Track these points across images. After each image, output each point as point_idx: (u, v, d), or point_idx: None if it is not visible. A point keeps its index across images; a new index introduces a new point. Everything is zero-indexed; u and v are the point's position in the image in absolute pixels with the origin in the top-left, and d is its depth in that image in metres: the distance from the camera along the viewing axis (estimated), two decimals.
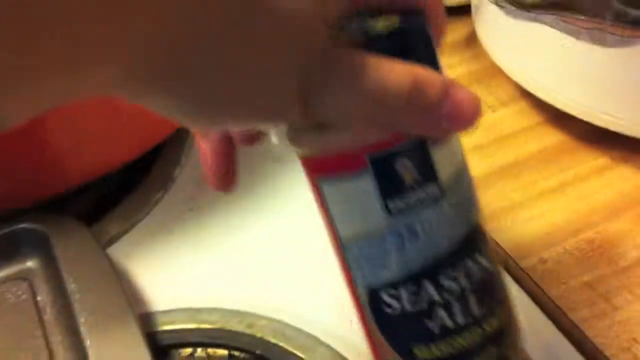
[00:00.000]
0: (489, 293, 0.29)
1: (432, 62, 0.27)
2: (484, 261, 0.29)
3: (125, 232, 0.47)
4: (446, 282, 0.28)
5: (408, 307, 0.28)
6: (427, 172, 0.27)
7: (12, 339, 0.40)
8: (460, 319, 0.28)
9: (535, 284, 0.42)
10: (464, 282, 0.28)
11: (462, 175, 0.29)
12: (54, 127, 0.44)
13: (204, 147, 0.32)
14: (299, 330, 0.40)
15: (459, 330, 0.28)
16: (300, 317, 0.41)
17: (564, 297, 0.42)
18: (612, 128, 0.49)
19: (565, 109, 0.51)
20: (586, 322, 0.40)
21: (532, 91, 0.54)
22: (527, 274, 0.43)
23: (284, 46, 0.22)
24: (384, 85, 0.24)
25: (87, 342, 0.37)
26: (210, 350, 0.40)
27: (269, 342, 0.39)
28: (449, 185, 0.27)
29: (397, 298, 0.28)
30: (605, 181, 0.50)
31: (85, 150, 0.45)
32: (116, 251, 0.45)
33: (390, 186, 0.27)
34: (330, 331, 0.40)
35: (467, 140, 0.51)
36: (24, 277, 0.43)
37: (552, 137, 0.54)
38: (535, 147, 0.53)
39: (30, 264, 0.44)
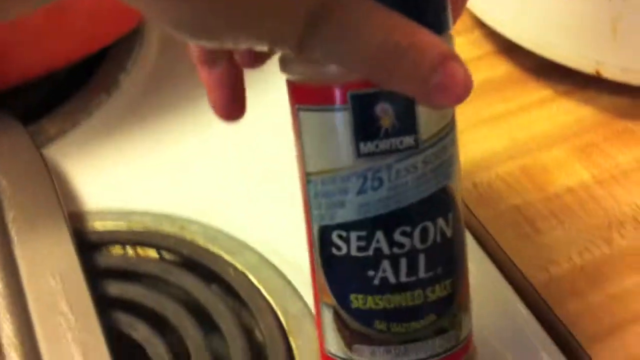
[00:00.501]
0: (442, 259, 0.29)
1: (438, 21, 0.27)
2: (445, 228, 0.29)
3: (64, 133, 0.47)
4: (398, 237, 0.28)
5: (354, 252, 0.28)
6: (407, 123, 0.27)
7: None
8: (403, 278, 0.28)
9: (467, 206, 0.44)
10: (417, 241, 0.28)
11: (445, 139, 0.28)
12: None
13: (206, 77, 0.31)
14: (228, 235, 0.41)
15: (400, 288, 0.29)
16: (229, 223, 0.42)
17: (491, 219, 0.43)
18: (558, 61, 0.50)
19: (515, 40, 0.52)
20: (509, 243, 0.42)
21: (485, 21, 0.55)
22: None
23: None
24: (383, 42, 0.23)
25: (14, 238, 0.38)
26: (140, 250, 0.41)
27: (197, 245, 0.41)
28: (427, 144, 0.27)
29: (346, 241, 0.28)
30: (546, 113, 0.51)
31: (27, 46, 0.45)
32: (53, 151, 0.46)
33: (365, 127, 0.27)
34: (256, 237, 0.41)
35: None
36: None
37: (501, 67, 0.55)
38: (484, 76, 0.54)
39: None
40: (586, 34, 0.49)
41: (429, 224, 0.28)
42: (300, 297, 0.38)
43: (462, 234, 0.30)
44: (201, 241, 0.41)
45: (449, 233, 0.29)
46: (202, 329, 0.37)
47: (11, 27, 0.44)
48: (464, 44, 0.57)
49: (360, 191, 0.27)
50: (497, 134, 0.49)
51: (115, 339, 0.34)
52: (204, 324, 0.37)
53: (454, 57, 0.24)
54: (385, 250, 0.28)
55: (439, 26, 0.26)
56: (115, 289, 0.38)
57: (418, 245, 0.28)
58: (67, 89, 0.50)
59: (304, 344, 0.36)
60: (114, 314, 0.37)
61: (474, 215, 0.43)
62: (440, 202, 0.29)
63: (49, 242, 0.38)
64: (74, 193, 0.44)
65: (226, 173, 0.46)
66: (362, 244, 0.28)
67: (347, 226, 0.28)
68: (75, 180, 0.44)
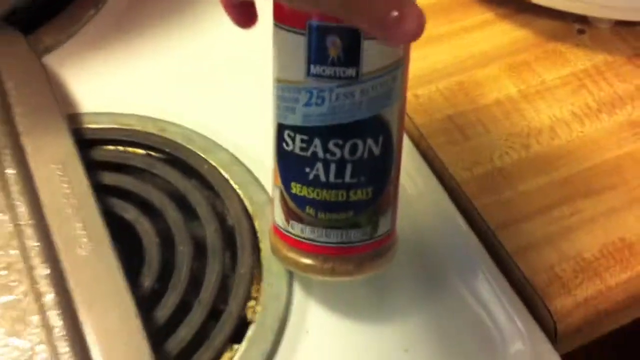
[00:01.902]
0: (366, 171, 0.34)
1: None
2: (374, 147, 0.34)
3: (60, 43, 0.52)
4: (331, 146, 0.34)
5: (297, 150, 0.34)
6: (351, 57, 0.31)
7: None
8: (331, 178, 0.34)
9: (407, 114, 0.49)
10: (347, 153, 0.34)
11: (385, 76, 0.32)
12: None
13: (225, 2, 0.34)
14: (203, 136, 0.47)
15: (327, 185, 0.34)
16: (206, 126, 0.47)
17: (427, 125, 0.49)
18: None
19: None
20: (440, 146, 0.48)
21: None
22: None
23: None
24: None
25: (20, 129, 0.43)
26: (128, 148, 0.47)
27: (177, 144, 0.46)
28: (367, 77, 0.32)
29: (293, 140, 0.34)
30: (486, 34, 0.56)
31: None
32: (51, 60, 0.51)
33: (316, 53, 0.32)
34: (228, 139, 0.47)
35: None
36: None
37: None
38: (432, 0, 0.59)
39: None
40: None
41: (358, 141, 0.34)
42: (263, 188, 0.44)
43: (392, 155, 0.35)
44: (180, 140, 0.46)
45: (376, 152, 0.34)
46: (182, 214, 0.42)
47: None
48: None
49: (307, 104, 0.33)
50: (440, 52, 0.54)
51: (110, 219, 0.40)
52: (184, 209, 0.43)
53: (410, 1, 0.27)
54: (320, 154, 0.34)
55: None
56: (108, 178, 0.44)
57: (347, 156, 0.34)
58: (61, 3, 0.54)
59: (265, 227, 0.42)
60: (108, 198, 0.42)
61: (412, 122, 0.49)
62: (372, 126, 0.34)
63: (51, 136, 0.43)
64: (70, 97, 0.49)
65: (203, 82, 0.51)
66: (304, 145, 0.34)
67: (294, 129, 0.34)
68: (70, 86, 0.49)
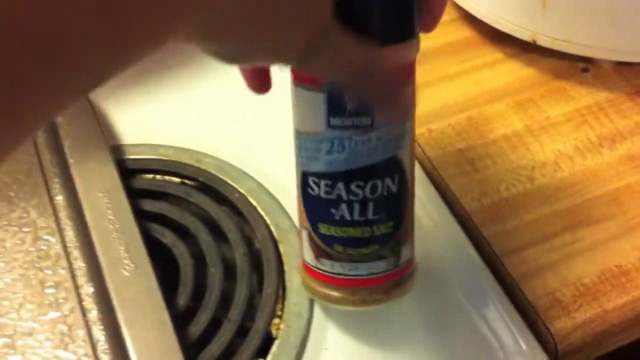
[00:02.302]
0: (387, 207, 0.37)
1: (405, 32, 0.33)
2: (392, 185, 0.36)
3: None
4: (354, 188, 0.36)
5: (322, 194, 0.37)
6: (366, 108, 0.34)
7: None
8: (356, 217, 0.37)
9: (421, 147, 0.52)
10: (368, 193, 0.36)
11: (398, 121, 0.35)
12: None
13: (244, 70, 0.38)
14: (234, 167, 0.50)
15: (353, 223, 0.37)
16: (237, 157, 0.50)
17: (439, 158, 0.52)
18: (503, 30, 0.58)
19: (469, 10, 0.59)
20: (452, 177, 0.50)
21: None
22: (416, 140, 0.53)
23: (298, 29, 0.28)
24: (353, 72, 0.31)
25: (70, 160, 0.46)
26: (166, 177, 0.50)
27: (211, 173, 0.49)
28: (382, 125, 0.34)
29: (318, 185, 0.36)
30: (495, 72, 0.59)
31: None
32: (96, 94, 0.54)
33: (335, 107, 0.34)
34: (257, 169, 0.50)
35: None
36: None
37: (461, 32, 0.62)
38: (447, 40, 0.61)
39: None
40: (522, 9, 0.56)
41: (378, 181, 0.36)
42: (288, 215, 0.47)
43: (408, 190, 0.38)
44: (213, 171, 0.49)
45: (394, 189, 0.37)
46: (214, 238, 0.45)
47: None
48: None
49: (329, 152, 0.35)
50: (452, 89, 0.57)
51: (149, 242, 0.43)
52: (215, 234, 0.46)
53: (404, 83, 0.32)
54: (344, 196, 0.36)
55: (405, 35, 0.33)
56: (148, 205, 0.47)
57: (368, 195, 0.36)
58: None
59: (289, 250, 0.45)
60: (147, 224, 0.45)
61: (426, 154, 0.52)
62: (388, 166, 0.36)
63: (97, 166, 0.46)
64: (114, 129, 0.52)
65: (235, 116, 0.54)
66: (328, 189, 0.36)
67: (318, 175, 0.36)
68: (114, 119, 0.53)
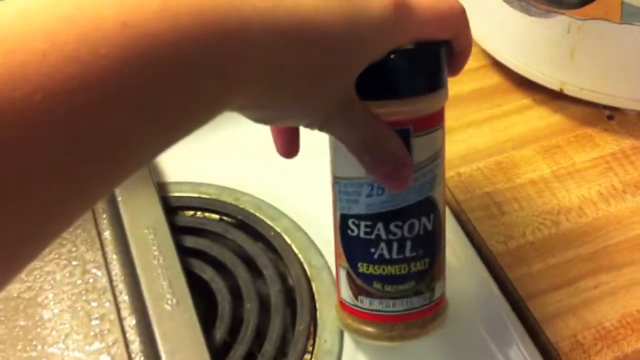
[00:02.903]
0: (423, 245, 0.38)
1: (433, 83, 0.35)
2: (427, 223, 0.37)
3: None
4: (392, 228, 0.37)
5: (362, 235, 0.38)
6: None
7: None
8: (394, 255, 0.38)
9: (450, 190, 0.53)
10: (406, 232, 0.37)
11: (430, 164, 0.36)
12: None
13: (274, 131, 0.41)
14: (271, 205, 0.51)
15: (391, 261, 0.38)
16: (272, 196, 0.52)
17: (467, 201, 0.53)
18: (532, 79, 0.59)
19: (499, 59, 0.60)
20: (479, 220, 0.51)
21: (476, 40, 0.63)
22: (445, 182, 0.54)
23: (321, 100, 0.31)
24: (366, 137, 0.33)
25: (118, 198, 0.48)
26: (206, 214, 0.52)
27: (249, 212, 0.51)
28: (417, 167, 0.36)
29: (357, 227, 0.38)
30: (524, 118, 0.60)
31: None
32: None
33: None
34: (292, 208, 0.51)
35: None
36: None
37: (490, 79, 0.63)
38: (477, 85, 0.62)
39: None
40: (551, 59, 0.57)
41: (415, 220, 0.37)
42: (321, 254, 0.48)
43: (441, 228, 0.39)
44: (251, 209, 0.51)
45: (429, 227, 0.38)
46: (250, 274, 0.47)
47: None
48: None
49: (369, 195, 0.37)
50: (482, 134, 0.58)
51: (189, 277, 0.45)
52: (252, 270, 0.47)
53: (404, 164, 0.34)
54: (383, 236, 0.37)
55: (434, 87, 0.35)
56: (188, 241, 0.48)
57: (406, 234, 0.37)
58: None
59: (321, 288, 0.46)
60: (188, 259, 0.47)
61: (454, 197, 0.53)
62: (424, 206, 0.37)
63: (144, 204, 0.48)
64: (158, 167, 0.54)
65: (273, 157, 0.55)
66: (368, 230, 0.37)
67: (358, 217, 0.37)
68: (159, 158, 0.55)
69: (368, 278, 0.39)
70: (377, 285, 0.39)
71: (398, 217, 0.37)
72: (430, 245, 0.39)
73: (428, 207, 0.38)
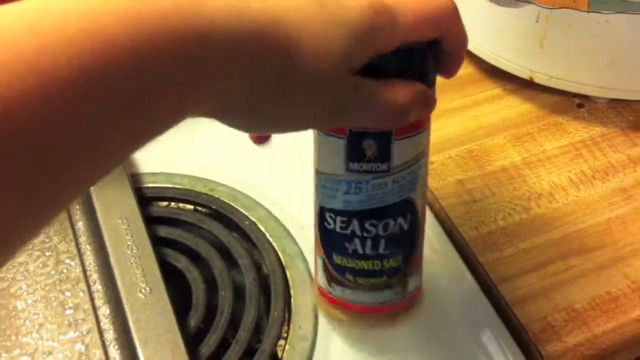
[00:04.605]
0: (397, 243, 0.38)
1: (423, 76, 0.33)
2: (403, 223, 0.37)
3: None
4: (367, 226, 0.37)
5: (338, 229, 0.38)
6: (384, 155, 0.35)
7: None
8: (367, 251, 0.38)
9: None
10: (380, 230, 0.37)
11: (413, 163, 0.36)
12: None
13: None
14: (246, 195, 0.51)
15: (365, 257, 0.38)
16: (248, 187, 0.52)
17: (439, 188, 0.53)
18: (502, 68, 0.59)
19: (471, 49, 0.61)
20: (451, 207, 0.52)
21: None
22: None
23: (316, 95, 0.29)
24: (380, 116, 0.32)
25: (92, 191, 0.48)
26: (180, 205, 0.52)
27: (223, 202, 0.51)
28: (397, 170, 0.35)
29: (334, 221, 0.38)
30: (495, 107, 0.60)
31: None
32: None
33: (354, 153, 0.35)
34: (267, 197, 0.51)
35: None
36: None
37: (463, 68, 0.62)
38: None
39: None
40: (521, 48, 0.58)
41: (390, 220, 0.37)
42: (295, 242, 0.48)
43: (418, 227, 0.39)
44: (225, 199, 0.51)
45: (405, 227, 0.38)
46: (225, 263, 0.47)
47: None
48: None
49: (346, 192, 0.37)
50: (454, 123, 0.58)
51: (163, 267, 0.45)
52: (226, 259, 0.47)
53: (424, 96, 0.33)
54: (358, 232, 0.37)
55: (423, 75, 0.33)
56: (163, 231, 0.48)
57: (381, 232, 0.37)
58: None
59: (296, 276, 0.47)
60: (162, 249, 0.47)
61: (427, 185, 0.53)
62: (401, 207, 0.37)
63: (117, 195, 0.48)
64: (132, 158, 0.54)
65: (247, 147, 0.55)
66: (343, 225, 0.37)
67: (334, 212, 0.38)
68: None
69: (342, 269, 0.39)
70: (349, 276, 0.39)
71: (374, 216, 0.37)
72: (405, 244, 0.39)
73: (406, 208, 0.37)
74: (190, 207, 0.51)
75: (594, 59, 0.55)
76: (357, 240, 0.38)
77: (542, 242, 0.50)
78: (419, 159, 0.37)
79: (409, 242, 0.39)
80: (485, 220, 0.51)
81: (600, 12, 0.52)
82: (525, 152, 0.56)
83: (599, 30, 0.53)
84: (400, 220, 0.37)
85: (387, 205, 0.36)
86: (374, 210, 0.37)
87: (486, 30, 0.59)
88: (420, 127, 0.36)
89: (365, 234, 0.37)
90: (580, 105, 0.60)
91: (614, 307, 0.46)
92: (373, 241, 0.37)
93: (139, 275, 0.43)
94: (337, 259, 0.39)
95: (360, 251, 0.38)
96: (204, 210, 0.51)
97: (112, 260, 0.44)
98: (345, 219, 0.37)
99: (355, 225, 0.37)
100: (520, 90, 0.61)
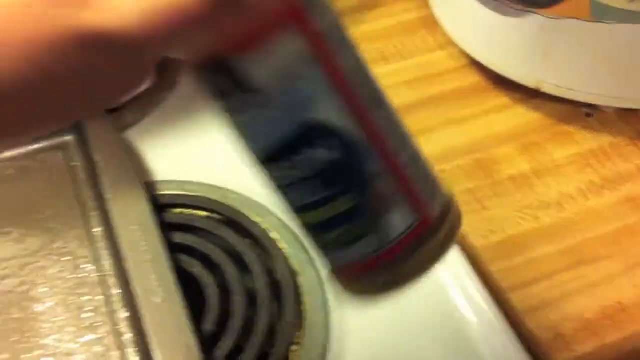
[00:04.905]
0: (336, 180, 0.29)
1: None
2: (326, 154, 0.28)
3: (138, 121, 0.58)
4: (286, 171, 0.29)
5: (277, 187, 0.31)
6: (239, 84, 0.27)
7: (49, 190, 0.51)
8: (309, 198, 0.30)
9: None
10: (306, 170, 0.29)
11: (297, 79, 0.27)
12: None
13: None
14: (258, 203, 0.52)
15: (314, 206, 0.30)
16: (260, 194, 0.52)
17: None
18: (509, 77, 0.60)
19: (477, 59, 0.62)
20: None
21: (454, 40, 0.63)
22: None
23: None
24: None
25: (109, 196, 0.49)
26: (194, 211, 0.52)
27: (235, 209, 0.52)
28: (270, 93, 0.27)
29: (269, 180, 0.31)
30: (503, 116, 0.60)
31: None
32: (130, 134, 0.57)
33: (218, 97, 0.29)
34: (279, 205, 0.51)
35: (403, 75, 0.62)
36: (60, 147, 0.54)
37: (471, 78, 0.64)
38: (456, 85, 0.63)
39: (66, 138, 0.55)
40: (527, 58, 0.58)
41: (303, 156, 0.28)
42: (306, 249, 0.49)
43: (361, 152, 0.29)
44: (238, 206, 0.52)
45: (336, 157, 0.28)
46: (237, 269, 0.47)
47: None
48: (445, 57, 0.65)
49: (245, 140, 0.30)
50: (462, 132, 0.59)
51: (178, 272, 0.45)
52: (239, 265, 0.48)
53: None
54: (284, 182, 0.30)
55: None
56: (177, 237, 0.49)
57: (305, 174, 0.29)
58: None
59: (306, 282, 0.47)
60: (176, 255, 0.47)
61: None
62: (310, 135, 0.28)
63: (132, 201, 0.49)
64: (146, 166, 0.55)
65: None
66: (274, 180, 0.31)
67: (262, 170, 0.31)
68: (147, 157, 0.55)
69: (310, 230, 0.32)
70: (321, 237, 0.32)
71: (284, 157, 0.29)
72: (350, 177, 0.30)
73: (316, 134, 0.28)
74: (203, 213, 0.52)
75: (599, 68, 0.56)
76: (290, 191, 0.30)
77: (551, 252, 0.50)
78: (303, 71, 0.27)
79: (354, 174, 0.29)
80: (495, 229, 0.51)
81: (602, 22, 0.53)
82: (533, 161, 0.57)
83: (603, 40, 0.54)
84: (320, 152, 0.28)
85: (287, 138, 0.28)
86: (280, 150, 0.29)
87: (492, 40, 0.60)
88: (272, 31, 0.27)
89: (289, 181, 0.30)
90: (588, 115, 0.60)
91: (623, 317, 0.46)
92: (304, 187, 0.29)
93: (154, 280, 0.44)
94: (299, 220, 0.32)
95: (300, 203, 0.30)
96: (216, 216, 0.52)
97: (128, 265, 0.45)
98: (266, 172, 0.31)
99: (275, 175, 0.30)
100: (528, 99, 0.61)
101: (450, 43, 0.66)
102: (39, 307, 0.43)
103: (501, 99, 0.62)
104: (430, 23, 0.68)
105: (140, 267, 0.45)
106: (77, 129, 0.54)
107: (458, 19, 0.63)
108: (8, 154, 0.52)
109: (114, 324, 0.42)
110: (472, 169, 0.56)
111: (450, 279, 0.48)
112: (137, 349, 0.41)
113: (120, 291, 0.43)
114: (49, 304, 0.43)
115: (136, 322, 0.42)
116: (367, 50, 0.67)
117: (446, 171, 0.55)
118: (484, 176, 0.55)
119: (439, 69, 0.65)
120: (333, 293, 0.47)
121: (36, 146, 0.54)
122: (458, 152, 0.57)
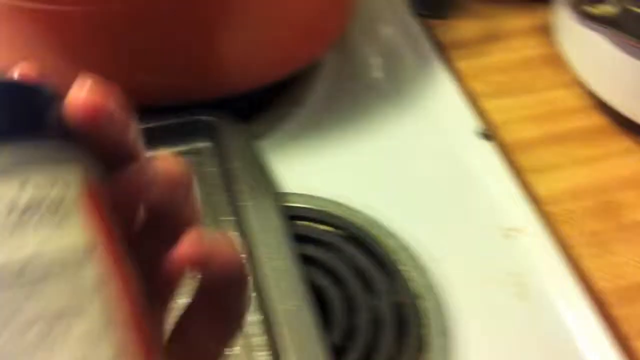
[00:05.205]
0: None
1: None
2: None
3: (270, 133, 0.59)
4: None
5: None
6: None
7: None
8: None
9: (558, 226, 0.54)
10: None
11: None
12: (228, 40, 0.56)
13: None
14: (381, 224, 0.53)
15: None
16: (383, 214, 0.53)
17: (574, 237, 0.54)
18: (634, 119, 0.60)
19: (603, 99, 0.61)
20: (585, 257, 0.52)
21: (581, 79, 0.64)
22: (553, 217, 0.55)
23: None
24: None
25: (243, 203, 0.50)
26: (319, 225, 0.53)
27: (360, 227, 0.53)
28: None
29: None
30: (626, 160, 0.60)
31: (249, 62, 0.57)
32: (263, 145, 0.58)
33: None
34: (402, 228, 0.53)
35: (527, 109, 0.62)
36: (194, 152, 0.56)
37: (596, 118, 0.64)
38: (581, 124, 0.63)
39: (200, 144, 0.57)
40: None
41: None
42: (428, 273, 0.50)
43: None
44: (363, 225, 0.53)
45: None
46: (362, 286, 0.49)
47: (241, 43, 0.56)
48: (568, 96, 0.65)
49: None
50: (587, 173, 0.59)
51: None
52: (363, 283, 0.49)
53: None
54: None
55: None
56: (304, 249, 0.50)
57: None
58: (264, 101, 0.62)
59: (429, 306, 0.48)
60: (304, 266, 0.48)
61: (562, 233, 0.54)
62: None
63: (265, 210, 0.50)
64: (276, 178, 0.56)
65: (386, 175, 0.58)
66: None
67: None
68: (277, 169, 0.57)
69: None
70: None
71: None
72: None
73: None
74: (329, 228, 0.53)
75: None
76: None
77: None
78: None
79: None
80: (620, 273, 0.51)
81: None
82: None
83: None
84: None
85: None
86: None
87: (620, 81, 0.60)
88: None
89: None
90: None
91: None
92: None
93: (287, 288, 0.45)
94: None
95: None
96: (341, 233, 0.53)
97: (261, 272, 0.46)
98: None
99: None
100: None
101: (574, 82, 0.66)
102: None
103: (625, 142, 0.62)
104: (551, 61, 0.68)
105: (272, 274, 0.46)
106: (212, 135, 0.56)
107: (587, 59, 0.63)
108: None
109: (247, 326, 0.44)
110: (599, 210, 0.56)
111: (573, 321, 0.48)
112: (269, 352, 0.42)
113: (255, 294, 0.45)
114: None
115: (269, 326, 0.43)
116: (490, 83, 0.68)
117: (573, 211, 0.55)
118: (610, 219, 0.55)
119: (562, 107, 0.65)
120: (455, 319, 0.48)
121: (170, 150, 0.56)
122: (583, 192, 0.57)
